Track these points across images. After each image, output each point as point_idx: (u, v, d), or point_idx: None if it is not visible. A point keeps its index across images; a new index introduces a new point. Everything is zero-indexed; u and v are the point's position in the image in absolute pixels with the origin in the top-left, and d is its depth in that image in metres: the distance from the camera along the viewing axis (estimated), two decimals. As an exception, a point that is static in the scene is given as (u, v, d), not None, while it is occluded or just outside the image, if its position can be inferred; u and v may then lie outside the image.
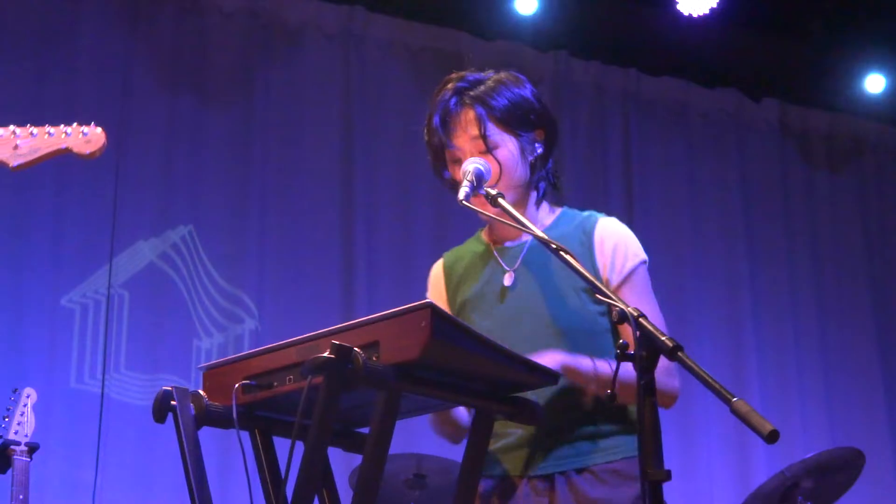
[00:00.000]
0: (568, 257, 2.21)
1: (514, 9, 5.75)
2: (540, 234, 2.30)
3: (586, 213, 2.61)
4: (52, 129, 2.69)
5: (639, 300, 2.41)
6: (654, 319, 2.33)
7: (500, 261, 2.56)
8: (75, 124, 2.76)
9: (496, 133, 2.53)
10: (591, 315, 2.46)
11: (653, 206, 6.24)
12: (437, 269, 2.70)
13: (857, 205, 6.83)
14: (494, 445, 2.44)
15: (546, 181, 2.62)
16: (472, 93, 2.56)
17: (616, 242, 2.52)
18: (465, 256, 2.66)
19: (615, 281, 2.49)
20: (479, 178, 2.45)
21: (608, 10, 5.97)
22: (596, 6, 5.85)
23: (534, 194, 2.60)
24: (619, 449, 2.44)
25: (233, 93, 5.47)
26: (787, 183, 6.67)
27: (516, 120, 2.55)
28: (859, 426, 6.27)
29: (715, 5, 5.64)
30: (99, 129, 2.77)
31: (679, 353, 1.94)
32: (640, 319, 1.98)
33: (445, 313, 1.99)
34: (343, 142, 5.62)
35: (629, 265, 2.51)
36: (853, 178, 6.87)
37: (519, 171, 2.54)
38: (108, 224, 5.06)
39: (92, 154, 2.76)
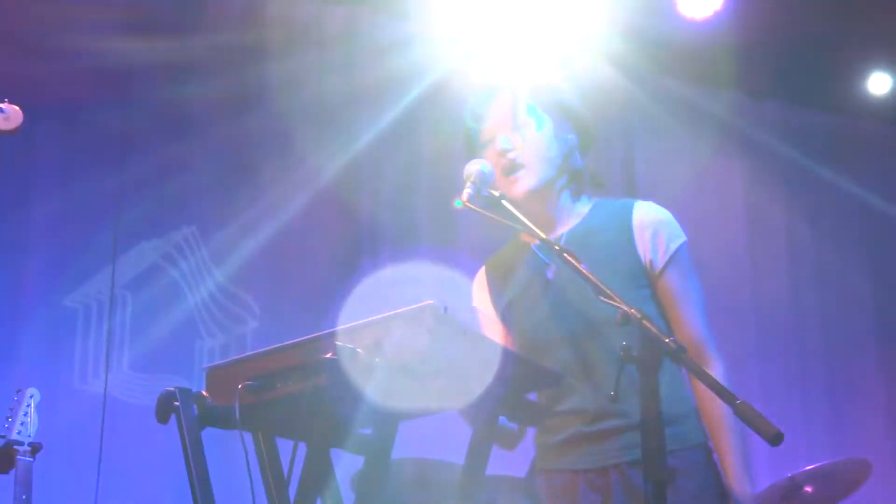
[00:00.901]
0: (571, 260, 2.22)
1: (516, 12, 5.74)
2: (541, 235, 2.31)
3: (622, 201, 2.64)
4: None
5: (684, 280, 2.49)
6: (699, 298, 2.47)
7: (540, 255, 2.55)
8: None
9: (529, 110, 2.56)
10: (633, 300, 2.44)
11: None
12: (480, 275, 2.72)
13: (860, 207, 6.82)
14: (546, 441, 2.48)
15: (582, 176, 2.63)
16: (509, 78, 2.60)
17: (656, 226, 2.56)
18: (506, 258, 2.67)
19: (660, 263, 2.52)
20: (483, 180, 2.45)
21: (611, 12, 5.95)
22: (597, 7, 5.83)
23: (568, 188, 2.61)
24: (676, 439, 2.39)
25: (236, 93, 5.47)
26: (788, 184, 6.66)
27: (549, 105, 2.58)
28: (862, 429, 6.26)
29: (718, 7, 5.63)
30: (15, 107, 2.85)
31: (683, 355, 1.94)
32: (644, 321, 1.98)
33: (448, 314, 1.98)
34: (347, 143, 5.61)
35: (673, 246, 2.56)
36: (855, 178, 6.86)
37: (549, 151, 2.56)
38: (111, 224, 5.06)
39: (11, 130, 2.85)
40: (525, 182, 2.53)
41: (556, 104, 2.59)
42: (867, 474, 4.35)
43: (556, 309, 2.49)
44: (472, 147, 2.62)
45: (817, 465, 4.25)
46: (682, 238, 2.58)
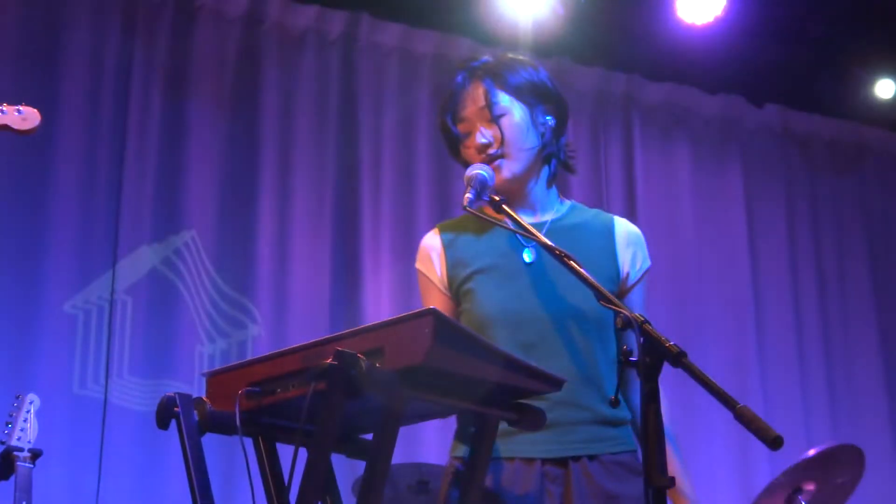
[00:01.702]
0: (572, 263, 2.23)
1: (517, 15, 5.74)
2: (544, 239, 2.32)
3: (596, 210, 2.67)
4: None
5: (645, 299, 2.54)
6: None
7: (519, 238, 2.53)
8: (5, 104, 2.88)
9: (504, 100, 2.56)
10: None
11: (655, 213, 6.24)
12: (433, 239, 2.65)
13: (860, 210, 6.83)
14: (507, 428, 2.44)
15: (557, 157, 2.62)
16: (482, 68, 2.59)
17: (636, 244, 2.61)
18: (466, 228, 2.62)
19: (632, 280, 2.56)
20: (483, 185, 2.46)
21: (610, 16, 5.97)
22: (598, 12, 5.85)
23: (546, 169, 2.62)
24: (624, 440, 2.47)
25: (235, 98, 5.47)
26: (789, 189, 6.67)
27: (525, 89, 2.58)
28: (864, 433, 6.26)
29: (719, 13, 5.64)
30: (33, 109, 2.91)
31: (683, 360, 1.94)
32: (645, 325, 1.98)
33: (448, 319, 1.98)
34: (346, 148, 5.62)
35: (644, 267, 2.59)
36: (856, 183, 6.87)
37: (528, 140, 2.56)
38: (111, 229, 5.06)
39: (29, 131, 2.91)
40: (506, 170, 2.54)
41: (530, 88, 2.59)
42: (862, 463, 4.32)
43: (530, 291, 2.47)
44: (453, 143, 2.62)
45: (807, 456, 4.21)
46: (650, 262, 2.63)
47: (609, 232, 2.58)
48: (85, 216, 5.03)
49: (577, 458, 2.41)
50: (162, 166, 5.24)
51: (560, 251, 2.26)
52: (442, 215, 5.62)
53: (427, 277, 2.61)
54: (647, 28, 6.00)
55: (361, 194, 5.58)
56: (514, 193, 2.56)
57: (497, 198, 2.45)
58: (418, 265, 2.64)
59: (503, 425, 2.35)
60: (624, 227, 2.61)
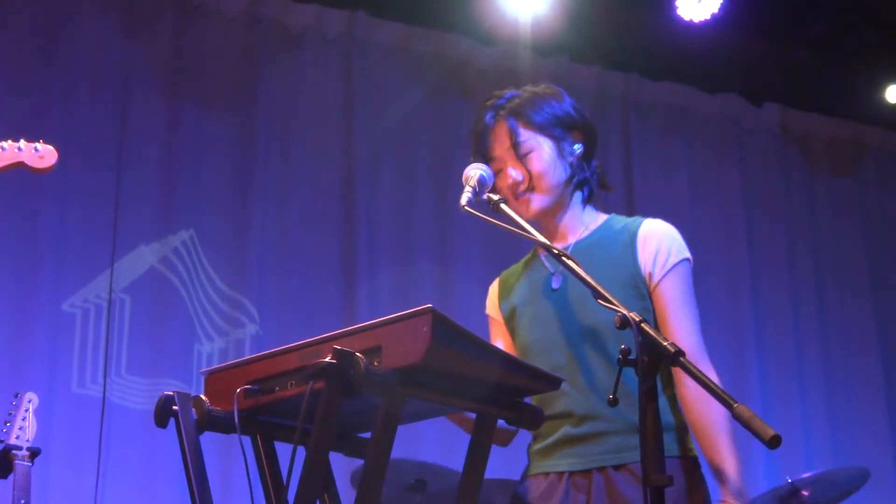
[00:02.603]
0: (570, 263, 2.25)
1: (516, 14, 5.75)
2: (542, 239, 2.34)
3: (633, 217, 2.70)
4: (4, 144, 2.80)
5: (677, 295, 2.52)
6: (693, 314, 2.50)
7: (547, 265, 2.62)
8: (22, 140, 2.88)
9: (530, 138, 2.61)
10: (636, 310, 2.46)
11: (653, 212, 6.17)
12: (494, 284, 2.79)
13: (859, 210, 6.83)
14: (536, 446, 2.54)
15: (590, 183, 2.69)
16: (506, 107, 2.64)
17: (660, 239, 2.60)
18: (518, 268, 2.75)
19: (658, 275, 2.55)
20: (482, 185, 2.48)
21: (609, 15, 5.97)
22: (597, 11, 5.85)
23: (578, 195, 2.68)
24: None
25: (234, 97, 5.47)
26: (788, 188, 6.67)
27: (550, 123, 2.63)
28: (861, 435, 6.26)
29: (716, 11, 5.64)
30: (50, 147, 2.91)
31: (681, 359, 1.94)
32: (642, 325, 1.99)
33: (447, 318, 1.98)
34: (344, 147, 5.62)
35: (672, 261, 2.58)
36: (855, 182, 6.87)
37: (556, 174, 2.62)
38: (110, 228, 5.05)
39: (46, 169, 2.93)
40: (536, 203, 2.61)
41: (554, 122, 2.63)
42: (864, 482, 4.36)
43: (555, 315, 2.54)
44: (488, 178, 2.63)
45: (815, 472, 4.25)
46: (686, 255, 2.61)
47: (632, 240, 2.60)
48: (83, 215, 5.02)
49: (602, 469, 2.44)
50: (160, 165, 5.23)
51: (558, 250, 2.28)
52: (440, 214, 5.62)
53: (493, 319, 2.75)
54: (645, 27, 6.00)
55: (359, 193, 5.58)
56: (545, 223, 2.65)
57: (495, 197, 2.47)
58: (487, 310, 2.78)
59: (539, 444, 2.48)
60: (646, 228, 2.62)
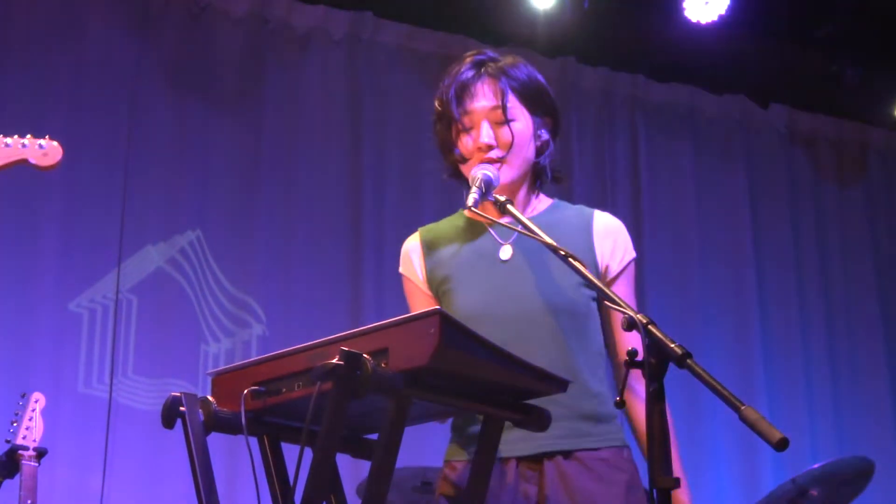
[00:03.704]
0: (577, 264, 2.22)
1: (523, 15, 5.75)
2: (548, 240, 2.30)
3: (579, 206, 2.63)
4: (8, 140, 2.77)
5: (629, 293, 2.49)
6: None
7: (494, 234, 2.54)
8: (29, 136, 2.85)
9: (516, 106, 2.54)
10: (583, 299, 2.45)
11: (660, 212, 6.23)
12: (413, 241, 2.64)
13: (866, 210, 6.82)
14: (473, 426, 2.41)
15: (548, 170, 2.61)
16: (493, 65, 2.56)
17: (616, 235, 2.56)
18: (445, 231, 2.62)
19: (614, 271, 2.52)
20: (488, 185, 2.44)
21: (616, 17, 5.97)
22: (604, 12, 5.85)
23: (533, 180, 2.60)
24: (608, 437, 2.42)
25: (241, 98, 5.48)
26: (794, 188, 6.67)
27: (533, 99, 2.56)
28: (867, 434, 6.26)
29: (724, 12, 5.64)
30: (55, 143, 2.87)
31: (688, 361, 1.94)
32: (650, 326, 1.98)
33: (454, 320, 1.98)
34: (351, 147, 5.63)
35: (626, 258, 2.55)
36: (861, 183, 6.87)
37: (528, 150, 2.55)
38: (116, 229, 5.06)
39: (50, 166, 2.87)
40: (506, 175, 2.51)
41: (539, 101, 2.57)
42: (871, 472, 4.33)
43: (504, 289, 2.45)
44: (446, 126, 2.60)
45: (820, 464, 4.23)
46: (634, 254, 2.58)
47: (587, 226, 2.54)
48: (90, 215, 5.03)
49: (551, 456, 2.37)
50: (167, 166, 5.24)
51: (565, 251, 2.25)
52: (447, 214, 5.62)
53: (410, 280, 2.61)
54: (652, 28, 6.00)
55: (366, 193, 5.59)
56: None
57: (502, 198, 2.43)
58: (401, 269, 2.63)
59: (476, 426, 2.34)
60: (602, 220, 2.56)
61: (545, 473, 2.37)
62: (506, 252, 2.51)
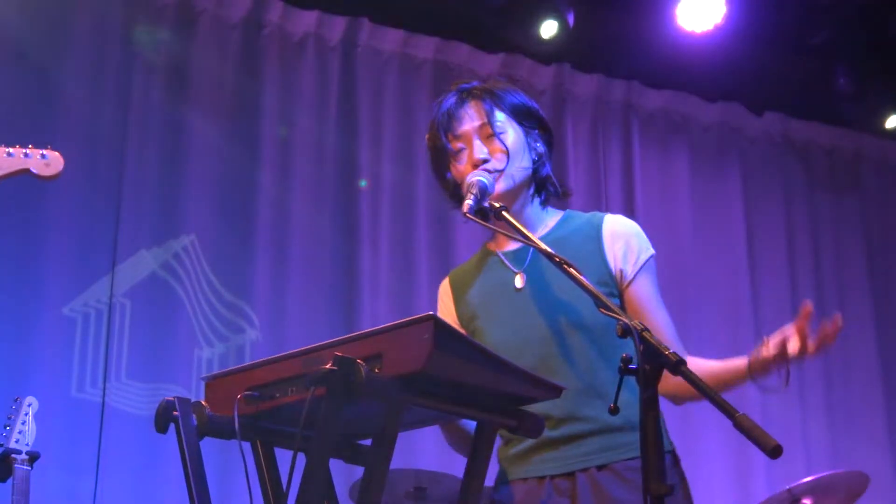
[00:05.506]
0: (572, 270, 2.23)
1: (518, 22, 5.75)
2: (544, 246, 2.31)
3: (591, 214, 2.65)
4: (11, 150, 2.78)
5: (652, 289, 2.51)
6: (665, 312, 2.50)
7: (508, 264, 2.58)
8: (31, 146, 2.87)
9: (503, 120, 2.58)
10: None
11: (654, 220, 6.24)
12: (444, 285, 2.72)
13: (859, 218, 6.83)
14: (510, 451, 2.49)
15: (549, 184, 2.64)
16: (477, 88, 2.62)
17: (629, 235, 2.57)
18: (470, 268, 2.68)
19: (630, 272, 2.53)
20: (483, 192, 2.46)
21: (610, 24, 5.98)
22: (598, 19, 5.86)
23: (538, 194, 2.63)
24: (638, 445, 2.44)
25: (236, 103, 5.48)
26: (789, 197, 6.68)
27: (521, 113, 2.61)
28: (861, 442, 6.26)
29: (719, 21, 5.65)
30: (57, 153, 2.89)
31: (682, 368, 1.94)
32: (644, 333, 1.98)
33: (448, 325, 1.98)
34: (345, 153, 5.63)
35: (643, 258, 2.55)
36: (855, 192, 6.88)
37: (524, 159, 2.58)
38: (111, 233, 5.06)
39: (52, 176, 2.90)
40: (500, 185, 2.53)
41: (526, 112, 2.62)
42: (865, 487, 4.35)
43: (522, 316, 2.49)
44: (441, 160, 2.64)
45: (815, 476, 4.25)
46: (652, 251, 2.59)
47: (597, 233, 2.56)
48: (84, 220, 5.02)
49: (584, 470, 2.41)
50: (162, 170, 5.24)
51: (560, 258, 2.25)
52: (441, 221, 5.62)
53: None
54: (646, 36, 6.00)
55: (360, 199, 5.59)
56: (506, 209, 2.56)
57: (497, 205, 2.44)
58: (438, 313, 2.65)
59: (515, 448, 2.44)
60: (611, 224, 2.58)
61: (578, 486, 2.41)
62: (519, 281, 2.54)
